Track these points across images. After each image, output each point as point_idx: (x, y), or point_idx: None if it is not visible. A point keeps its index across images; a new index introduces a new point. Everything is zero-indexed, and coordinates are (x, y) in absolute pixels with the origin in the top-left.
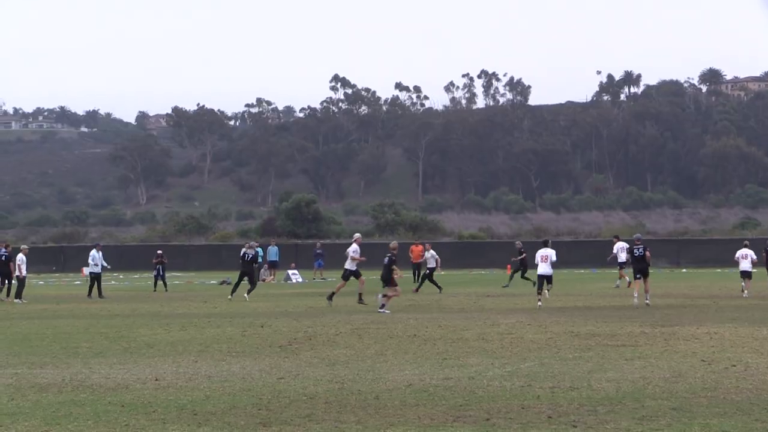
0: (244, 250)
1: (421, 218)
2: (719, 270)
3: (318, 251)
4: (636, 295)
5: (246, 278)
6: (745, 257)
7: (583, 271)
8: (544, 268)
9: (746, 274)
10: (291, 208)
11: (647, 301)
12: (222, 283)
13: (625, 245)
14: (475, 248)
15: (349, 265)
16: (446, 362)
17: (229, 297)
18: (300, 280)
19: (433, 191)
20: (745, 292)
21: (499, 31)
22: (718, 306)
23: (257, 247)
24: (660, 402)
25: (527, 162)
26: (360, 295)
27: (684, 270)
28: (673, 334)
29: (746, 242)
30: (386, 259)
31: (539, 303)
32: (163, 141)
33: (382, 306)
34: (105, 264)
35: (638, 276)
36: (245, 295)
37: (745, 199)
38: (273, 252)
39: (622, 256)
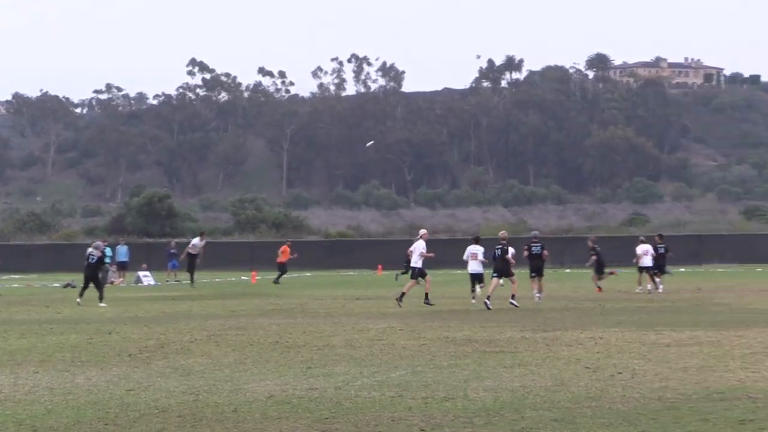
0: (90, 250)
1: (285, 215)
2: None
3: (172, 251)
4: (537, 294)
5: (92, 283)
6: (646, 253)
7: (459, 271)
8: (474, 266)
9: (646, 270)
10: (142, 203)
11: (538, 300)
12: (66, 286)
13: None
14: (343, 247)
15: (416, 263)
16: (311, 371)
17: (78, 300)
18: (152, 282)
19: (298, 185)
20: (639, 288)
21: (370, 12)
22: (604, 309)
23: (105, 246)
24: (541, 412)
25: (400, 153)
26: (426, 294)
27: (568, 270)
28: (556, 339)
29: (642, 238)
30: (498, 251)
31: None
32: (1, 130)
33: (513, 297)
34: None
35: (534, 275)
36: (100, 303)
37: (633, 194)
38: (122, 252)
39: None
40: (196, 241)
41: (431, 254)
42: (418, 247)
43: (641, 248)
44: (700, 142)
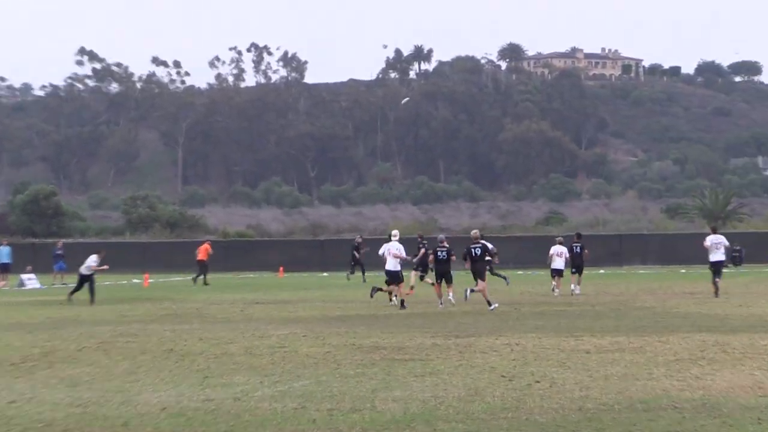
0: None
1: (180, 213)
2: (521, 272)
3: (58, 252)
4: (443, 301)
5: None
6: (560, 255)
7: (368, 274)
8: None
9: (558, 273)
10: (27, 201)
11: (451, 300)
12: None
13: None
14: (242, 248)
15: (391, 265)
16: (208, 381)
17: None
18: (37, 285)
19: (194, 182)
20: (556, 291)
21: None
22: (520, 313)
23: None
24: (454, 425)
25: (303, 148)
26: (386, 293)
27: None
28: (469, 345)
29: (560, 238)
30: (478, 250)
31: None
32: None
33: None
34: None
35: (440, 280)
36: None
37: (549, 191)
38: (4, 253)
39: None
40: (93, 259)
41: (408, 257)
42: (392, 249)
43: (554, 249)
44: (619, 137)
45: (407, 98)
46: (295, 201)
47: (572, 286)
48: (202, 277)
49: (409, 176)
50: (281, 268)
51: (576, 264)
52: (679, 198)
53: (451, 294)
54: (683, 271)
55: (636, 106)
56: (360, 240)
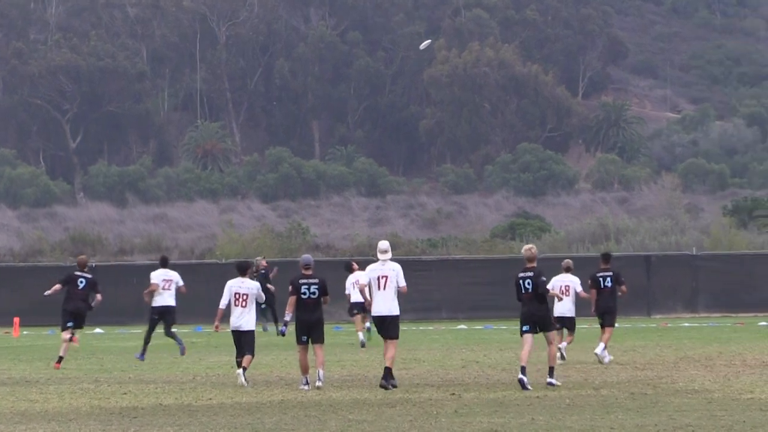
0: None
1: None
2: (463, 326)
3: None
4: (309, 379)
5: None
6: (565, 291)
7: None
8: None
9: (566, 323)
10: None
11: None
12: None
13: None
14: None
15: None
16: None
17: None
18: None
19: None
20: (562, 354)
21: None
22: (461, 402)
23: None
24: None
25: (55, 95)
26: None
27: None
28: None
29: (567, 262)
30: (528, 282)
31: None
32: None
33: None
34: None
35: (305, 338)
36: None
37: (516, 176)
38: None
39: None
40: None
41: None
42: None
43: (556, 281)
44: (648, 75)
45: (428, 41)
46: (41, 194)
47: (600, 347)
48: None
49: (255, 148)
50: (16, 320)
51: (602, 308)
52: (757, 190)
53: (321, 370)
54: (764, 323)
55: (679, 19)
56: (265, 264)
